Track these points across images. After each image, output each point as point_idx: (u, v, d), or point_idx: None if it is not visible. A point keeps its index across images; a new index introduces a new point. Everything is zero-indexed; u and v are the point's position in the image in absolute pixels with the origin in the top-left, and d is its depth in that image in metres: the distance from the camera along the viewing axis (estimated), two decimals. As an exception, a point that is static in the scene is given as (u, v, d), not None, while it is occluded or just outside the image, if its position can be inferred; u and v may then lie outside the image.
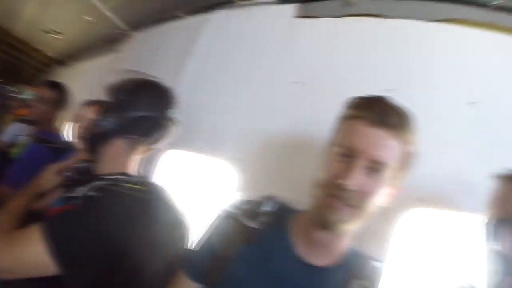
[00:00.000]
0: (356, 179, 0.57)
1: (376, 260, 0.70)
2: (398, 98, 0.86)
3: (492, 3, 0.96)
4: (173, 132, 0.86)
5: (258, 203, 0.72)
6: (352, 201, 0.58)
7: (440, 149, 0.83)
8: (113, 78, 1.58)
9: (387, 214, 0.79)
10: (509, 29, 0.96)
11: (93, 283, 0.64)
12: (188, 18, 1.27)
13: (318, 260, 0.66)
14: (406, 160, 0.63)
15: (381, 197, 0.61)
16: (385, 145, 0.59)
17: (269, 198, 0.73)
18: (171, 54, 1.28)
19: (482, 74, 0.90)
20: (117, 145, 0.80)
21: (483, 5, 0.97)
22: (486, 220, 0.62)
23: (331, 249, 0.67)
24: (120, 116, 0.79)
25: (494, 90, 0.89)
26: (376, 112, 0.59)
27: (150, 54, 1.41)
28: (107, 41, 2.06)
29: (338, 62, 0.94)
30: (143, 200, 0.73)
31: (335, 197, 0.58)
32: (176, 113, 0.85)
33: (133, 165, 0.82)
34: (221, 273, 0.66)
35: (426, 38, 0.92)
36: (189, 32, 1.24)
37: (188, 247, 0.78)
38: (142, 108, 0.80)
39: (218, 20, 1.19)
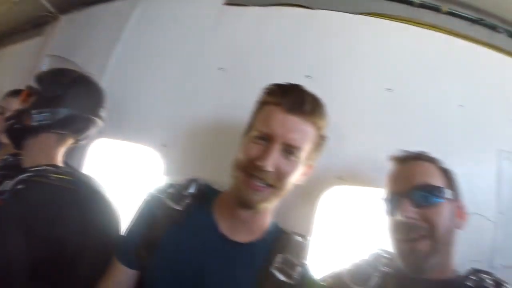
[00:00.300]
0: (273, 161, 0.61)
1: (299, 235, 0.75)
2: (320, 84, 0.93)
3: (415, 1, 1.06)
4: (101, 127, 0.89)
5: (182, 186, 0.74)
6: (270, 181, 0.62)
7: (358, 131, 0.91)
8: (40, 64, 1.45)
9: (310, 192, 0.85)
10: (426, 23, 1.07)
11: (29, 276, 0.63)
12: (117, 1, 1.19)
13: (242, 236, 0.69)
14: (318, 143, 0.68)
15: (296, 176, 0.66)
16: (299, 130, 0.63)
17: (193, 181, 0.76)
18: (99, 38, 1.19)
19: (398, 63, 0.99)
20: (46, 138, 0.79)
21: (405, 2, 1.08)
22: (384, 195, 0.70)
23: (253, 225, 0.71)
24: (52, 112, 0.77)
25: (409, 78, 0.99)
26: (292, 99, 0.64)
27: (78, 38, 1.29)
28: (33, 24, 1.84)
29: (263, 50, 0.96)
30: (71, 190, 0.73)
31: (254, 178, 0.62)
32: (105, 111, 0.89)
33: (60, 157, 0.83)
34: (152, 256, 0.67)
35: (349, 29, 0.99)
36: (117, 16, 1.16)
37: (120, 234, 0.77)
38: (76, 106, 0.80)
39: (147, 4, 1.13)
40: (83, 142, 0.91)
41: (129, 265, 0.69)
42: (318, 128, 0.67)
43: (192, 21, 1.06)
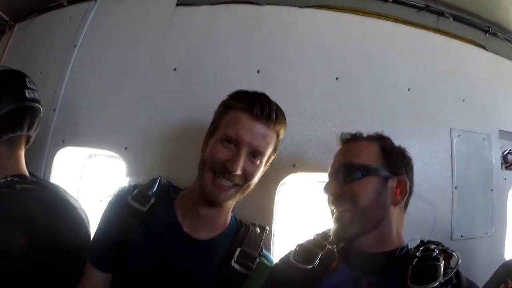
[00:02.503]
0: (241, 165, 0.66)
1: (258, 227, 0.78)
2: (271, 77, 0.97)
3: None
4: (40, 110, 0.82)
5: (145, 187, 0.76)
6: (237, 182, 0.68)
7: (310, 120, 0.94)
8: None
9: (268, 182, 0.87)
10: (373, 12, 1.11)
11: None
12: (71, 7, 1.18)
13: (204, 233, 0.73)
14: (276, 146, 0.74)
15: (259, 176, 0.72)
16: (264, 136, 0.68)
17: (155, 180, 0.78)
18: (55, 45, 1.17)
19: (347, 53, 1.03)
20: None
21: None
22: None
23: (215, 222, 0.74)
24: None
25: (357, 66, 1.03)
26: (260, 108, 0.67)
27: (33, 46, 1.27)
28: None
29: (215, 48, 0.98)
30: (37, 199, 0.72)
31: (221, 179, 0.66)
32: (33, 90, 0.81)
33: (22, 164, 0.80)
34: (121, 257, 0.69)
35: (297, 22, 1.01)
36: (72, 22, 1.15)
37: (90, 239, 0.78)
38: (2, 104, 0.75)
39: (101, 8, 1.13)
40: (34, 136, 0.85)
41: (103, 268, 0.71)
42: (278, 134, 0.72)
43: (146, 23, 1.07)
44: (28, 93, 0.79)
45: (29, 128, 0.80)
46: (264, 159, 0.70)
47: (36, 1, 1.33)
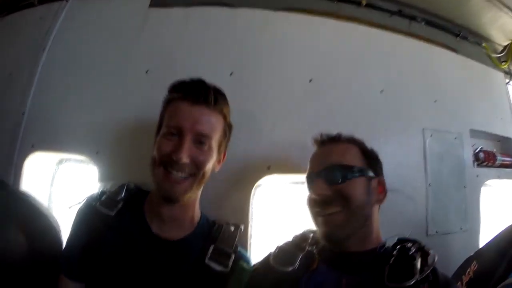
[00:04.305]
0: (187, 152, 0.63)
1: (232, 225, 0.77)
2: (245, 80, 0.97)
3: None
4: None
5: (114, 192, 0.75)
6: (188, 172, 0.65)
7: (284, 122, 0.95)
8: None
9: (242, 183, 0.88)
10: (347, 16, 1.14)
11: None
12: (41, 6, 1.14)
13: (174, 233, 0.71)
14: (227, 131, 0.72)
15: (212, 164, 0.69)
16: (207, 119, 0.66)
17: (124, 186, 0.77)
18: (24, 46, 1.13)
19: (321, 55, 1.05)
20: None
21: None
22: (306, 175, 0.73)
23: (181, 220, 0.73)
24: None
25: (331, 68, 1.05)
26: (196, 91, 0.66)
27: (2, 46, 1.22)
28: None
29: (188, 50, 0.97)
30: (4, 207, 0.71)
31: (171, 172, 0.64)
32: None
33: None
34: (92, 265, 0.67)
35: (271, 25, 1.02)
36: (42, 22, 1.11)
37: (61, 247, 0.75)
38: None
39: (73, 8, 1.10)
40: None
41: (75, 278, 0.69)
42: (224, 117, 0.70)
43: (118, 24, 1.05)
44: None
45: None
46: (214, 144, 0.68)
47: (7, 0, 1.28)
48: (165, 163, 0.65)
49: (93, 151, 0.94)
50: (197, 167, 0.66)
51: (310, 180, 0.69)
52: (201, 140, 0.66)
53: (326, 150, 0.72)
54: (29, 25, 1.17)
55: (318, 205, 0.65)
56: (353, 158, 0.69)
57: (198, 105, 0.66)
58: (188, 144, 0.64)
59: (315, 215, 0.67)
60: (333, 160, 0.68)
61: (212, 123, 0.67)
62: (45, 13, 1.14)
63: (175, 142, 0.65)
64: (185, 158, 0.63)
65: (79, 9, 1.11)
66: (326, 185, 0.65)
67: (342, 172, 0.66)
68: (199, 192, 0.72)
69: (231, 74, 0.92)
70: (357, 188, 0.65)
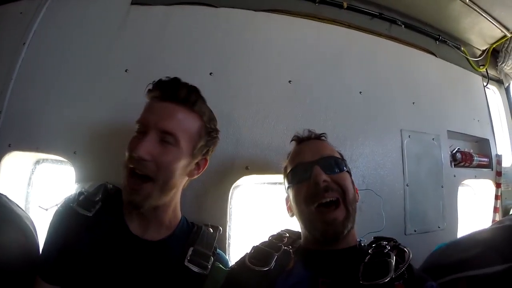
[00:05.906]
0: (146, 149, 0.60)
1: (211, 227, 0.77)
2: (225, 80, 0.97)
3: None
4: None
5: (92, 193, 0.73)
6: (150, 173, 0.61)
7: (263, 122, 0.95)
8: None
9: (221, 184, 0.88)
10: (327, 18, 1.16)
11: None
12: (20, 2, 1.11)
13: (153, 235, 0.70)
14: (208, 134, 0.69)
15: (183, 169, 0.66)
16: (174, 116, 0.63)
17: (102, 186, 0.75)
18: (3, 43, 1.10)
19: (301, 57, 1.06)
20: None
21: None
22: (290, 169, 0.73)
23: (158, 222, 0.71)
24: None
25: (311, 69, 1.06)
26: (166, 88, 0.64)
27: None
28: None
29: (168, 49, 0.96)
30: None
31: (133, 176, 0.62)
32: None
33: None
34: (70, 267, 0.64)
35: (252, 25, 1.03)
36: (21, 19, 1.08)
37: (37, 250, 0.72)
38: None
39: (53, 5, 1.08)
40: None
41: (52, 281, 0.66)
42: (199, 117, 0.67)
43: (99, 21, 1.03)
44: None
45: None
46: (184, 145, 0.63)
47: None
48: (128, 163, 0.63)
49: (70, 151, 0.92)
50: (158, 168, 0.61)
51: (304, 169, 0.67)
52: (166, 138, 0.62)
53: (315, 144, 0.73)
54: (9, 19, 1.13)
55: (319, 190, 0.63)
56: (338, 155, 0.72)
57: (166, 102, 0.63)
58: (150, 141, 0.60)
59: (313, 205, 0.64)
60: (324, 152, 0.69)
61: (180, 119, 0.64)
62: (27, 7, 1.11)
63: (139, 140, 0.62)
64: (144, 155, 0.59)
65: (60, 5, 1.09)
66: (325, 173, 0.65)
67: (338, 162, 0.68)
68: (172, 198, 0.70)
69: (210, 74, 0.93)
70: (348, 181, 0.68)
